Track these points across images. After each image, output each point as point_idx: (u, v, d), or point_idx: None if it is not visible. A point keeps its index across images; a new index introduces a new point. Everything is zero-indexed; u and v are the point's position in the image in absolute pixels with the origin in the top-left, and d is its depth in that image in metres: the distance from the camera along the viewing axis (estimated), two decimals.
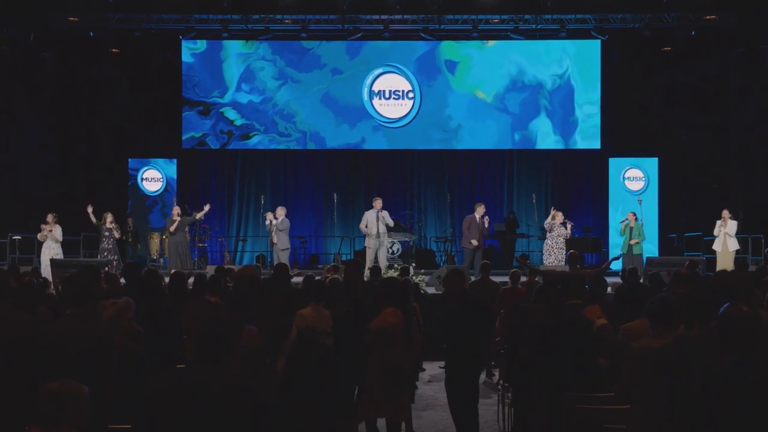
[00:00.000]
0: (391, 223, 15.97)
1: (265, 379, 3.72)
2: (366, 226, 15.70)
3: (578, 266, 11.57)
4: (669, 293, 5.00)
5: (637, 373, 4.63)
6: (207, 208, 16.84)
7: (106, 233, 16.37)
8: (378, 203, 15.83)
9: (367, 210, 16.12)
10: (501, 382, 9.43)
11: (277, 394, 3.74)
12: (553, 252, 16.06)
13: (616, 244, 18.51)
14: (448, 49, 20.24)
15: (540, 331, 6.37)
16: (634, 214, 16.44)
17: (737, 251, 16.05)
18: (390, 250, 16.13)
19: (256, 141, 20.24)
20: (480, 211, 16.16)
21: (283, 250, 16.15)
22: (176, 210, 16.53)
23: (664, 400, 4.28)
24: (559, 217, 16.26)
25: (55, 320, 4.64)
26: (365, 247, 16.05)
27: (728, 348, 3.80)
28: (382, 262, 15.20)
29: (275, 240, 16.08)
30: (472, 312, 7.55)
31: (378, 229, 15.55)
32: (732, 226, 15.89)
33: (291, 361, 3.87)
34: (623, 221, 16.57)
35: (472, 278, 14.52)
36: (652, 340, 4.64)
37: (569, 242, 16.46)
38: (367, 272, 12.91)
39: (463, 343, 7.33)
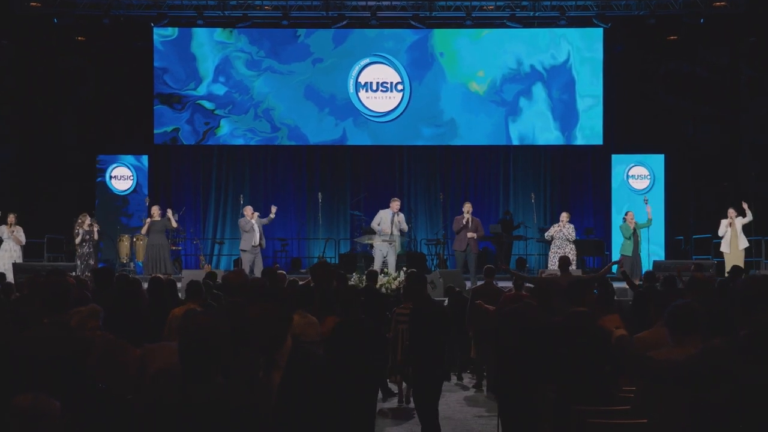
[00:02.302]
0: (405, 227, 15.90)
1: (259, 394, 3.65)
2: (379, 225, 15.68)
3: (569, 271, 11.60)
4: (690, 300, 4.97)
5: (657, 385, 4.61)
6: (170, 213, 16.80)
7: (87, 237, 16.26)
8: (396, 204, 15.81)
9: (382, 209, 16.01)
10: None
11: (271, 410, 3.68)
12: (556, 256, 16.00)
13: (619, 246, 18.51)
14: (440, 38, 20.23)
15: (543, 340, 6.38)
16: (633, 213, 16.51)
17: (746, 249, 16.11)
18: None
19: (230, 134, 20.12)
20: (467, 209, 16.14)
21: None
22: (155, 210, 16.47)
23: (687, 414, 4.25)
24: (564, 217, 16.30)
25: (30, 328, 4.56)
26: (371, 247, 15.93)
27: (756, 358, 3.78)
28: (392, 266, 15.19)
29: (257, 242, 15.96)
30: (434, 319, 7.57)
31: (392, 232, 15.53)
32: (740, 223, 15.95)
33: (287, 374, 3.80)
34: (630, 225, 16.54)
35: (468, 283, 14.55)
36: (672, 349, 4.62)
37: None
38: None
39: (425, 351, 7.37)
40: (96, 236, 16.46)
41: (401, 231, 15.78)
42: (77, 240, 16.32)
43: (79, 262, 16.04)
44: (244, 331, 3.88)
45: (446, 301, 11.76)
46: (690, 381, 4.31)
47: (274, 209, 16.45)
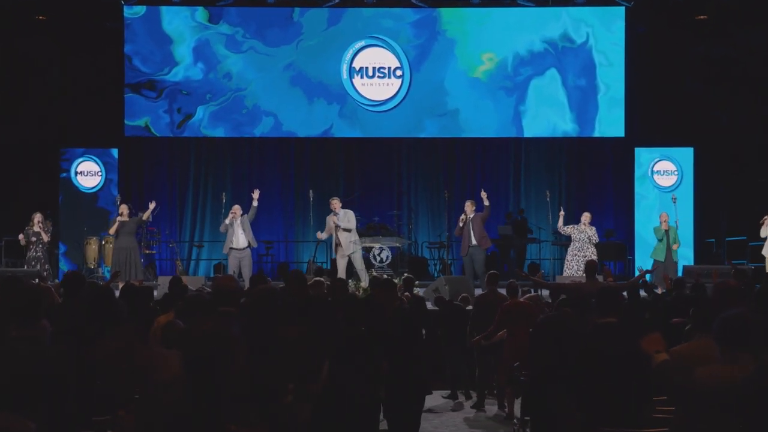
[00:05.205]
0: (348, 225, 15.67)
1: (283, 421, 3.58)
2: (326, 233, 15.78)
3: (598, 277, 11.53)
4: (743, 309, 4.91)
5: (704, 408, 4.55)
6: (153, 205, 16.62)
7: (33, 238, 16.16)
8: (332, 204, 15.75)
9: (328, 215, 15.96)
10: (519, 416, 9.40)
11: None
12: (575, 259, 16.05)
13: (643, 250, 18.48)
14: (444, 17, 20.18)
15: (573, 353, 6.32)
16: (668, 215, 16.48)
17: None
18: (377, 257, 16.04)
19: (209, 124, 19.97)
20: (470, 209, 16.08)
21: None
22: (123, 209, 16.36)
23: None
24: (586, 218, 16.30)
25: None
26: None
27: None
28: (361, 270, 15.20)
29: (242, 243, 15.92)
30: (402, 332, 7.53)
31: (335, 236, 15.51)
32: None
33: (321, 404, 3.70)
34: (663, 227, 16.51)
35: (479, 291, 14.49)
36: (724, 367, 4.55)
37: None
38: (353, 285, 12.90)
39: (397, 367, 7.35)
40: (46, 238, 16.35)
41: (347, 230, 15.62)
42: (22, 241, 16.28)
43: (26, 268, 15.95)
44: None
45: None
46: (744, 404, 4.25)
47: (256, 194, 16.33)
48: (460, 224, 16.08)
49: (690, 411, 4.76)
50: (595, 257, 15.56)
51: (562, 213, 16.54)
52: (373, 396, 6.74)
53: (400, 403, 7.47)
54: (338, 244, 15.53)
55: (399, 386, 7.32)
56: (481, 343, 10.37)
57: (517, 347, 9.29)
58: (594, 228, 16.26)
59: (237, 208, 16.15)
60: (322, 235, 15.90)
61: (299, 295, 8.02)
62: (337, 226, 15.43)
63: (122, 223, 16.22)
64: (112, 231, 16.24)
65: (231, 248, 15.91)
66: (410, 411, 7.58)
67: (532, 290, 12.56)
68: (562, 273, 16.51)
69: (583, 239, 16.03)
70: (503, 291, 11.04)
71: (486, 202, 16.12)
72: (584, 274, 11.77)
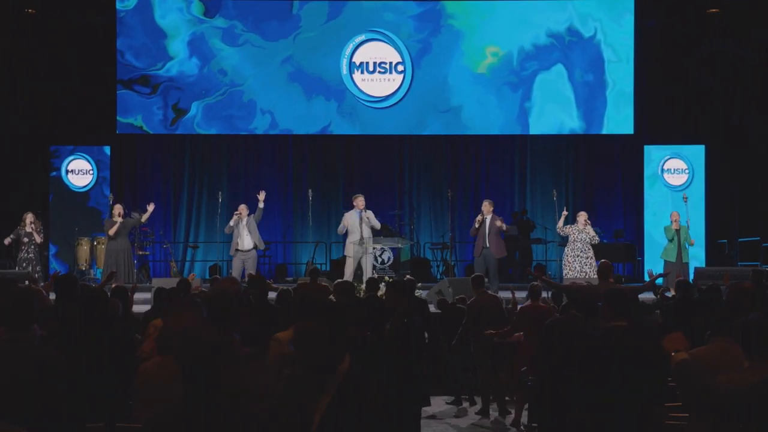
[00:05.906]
0: (377, 225, 15.98)
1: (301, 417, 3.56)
2: (346, 231, 15.67)
3: (611, 280, 11.49)
4: (762, 313, 4.90)
5: (723, 416, 4.52)
6: (151, 208, 16.61)
7: (25, 239, 16.13)
8: (360, 201, 15.77)
9: (347, 210, 16.02)
10: (527, 423, 9.38)
11: None
12: (578, 260, 15.98)
13: (653, 251, 18.44)
14: (447, 11, 20.13)
15: (581, 357, 6.29)
16: (678, 214, 16.43)
17: None
18: (379, 259, 16.02)
19: (204, 122, 19.89)
20: (487, 209, 16.06)
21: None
22: (118, 209, 16.31)
23: None
24: (582, 217, 16.23)
25: None
26: (344, 256, 16.07)
27: None
28: (368, 273, 15.17)
29: (248, 244, 15.91)
30: (404, 335, 7.51)
31: (362, 234, 15.52)
32: None
33: (336, 404, 3.67)
34: (674, 226, 16.45)
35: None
36: (746, 372, 4.52)
37: (595, 249, 16.36)
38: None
39: (395, 374, 7.35)
40: (39, 239, 16.33)
41: (373, 229, 15.85)
42: (6, 241, 16.26)
43: (18, 269, 15.93)
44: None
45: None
46: (763, 409, 4.24)
47: (261, 196, 16.35)
48: (476, 225, 16.06)
49: (708, 418, 4.74)
50: (593, 259, 15.55)
51: (564, 213, 16.47)
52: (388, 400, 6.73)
53: (396, 412, 7.44)
54: (360, 241, 15.55)
55: (396, 395, 7.30)
56: (494, 340, 10.32)
57: (529, 351, 9.27)
58: (594, 228, 16.19)
59: (243, 208, 16.18)
60: (342, 231, 15.96)
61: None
62: (367, 220, 15.57)
63: (122, 224, 16.19)
64: (112, 232, 16.11)
65: (237, 249, 15.96)
66: (407, 421, 7.53)
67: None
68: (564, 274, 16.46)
69: (584, 240, 15.96)
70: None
71: (504, 227, 16.11)
72: (597, 276, 11.74)
